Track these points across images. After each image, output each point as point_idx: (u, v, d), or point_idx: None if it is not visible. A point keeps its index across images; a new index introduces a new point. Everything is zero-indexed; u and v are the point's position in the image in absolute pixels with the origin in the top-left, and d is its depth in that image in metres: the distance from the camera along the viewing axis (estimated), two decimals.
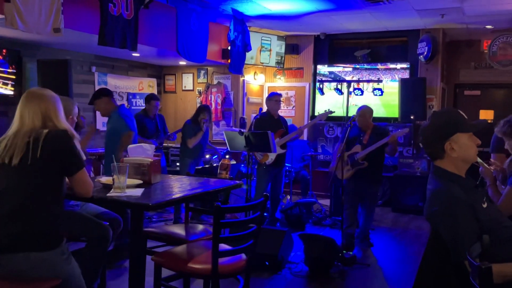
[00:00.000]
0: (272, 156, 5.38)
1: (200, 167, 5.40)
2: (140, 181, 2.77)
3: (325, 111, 5.60)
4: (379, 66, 7.85)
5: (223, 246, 2.46)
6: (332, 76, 8.19)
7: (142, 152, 2.91)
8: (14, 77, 5.87)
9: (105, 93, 4.54)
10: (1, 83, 5.72)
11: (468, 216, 1.82)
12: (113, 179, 2.54)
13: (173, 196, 2.52)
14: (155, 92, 8.40)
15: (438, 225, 1.90)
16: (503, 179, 2.94)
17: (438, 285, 1.97)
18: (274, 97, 5.59)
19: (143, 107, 6.25)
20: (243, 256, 2.55)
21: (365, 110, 5.08)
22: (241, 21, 6.91)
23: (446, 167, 1.98)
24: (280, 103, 5.62)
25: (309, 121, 8.25)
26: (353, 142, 5.01)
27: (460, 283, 1.88)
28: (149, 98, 6.04)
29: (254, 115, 8.21)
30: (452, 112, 2.04)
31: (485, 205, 1.90)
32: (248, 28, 7.18)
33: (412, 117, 7.15)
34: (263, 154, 5.41)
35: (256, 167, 5.62)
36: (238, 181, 3.05)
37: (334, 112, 5.87)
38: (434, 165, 2.02)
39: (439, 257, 1.94)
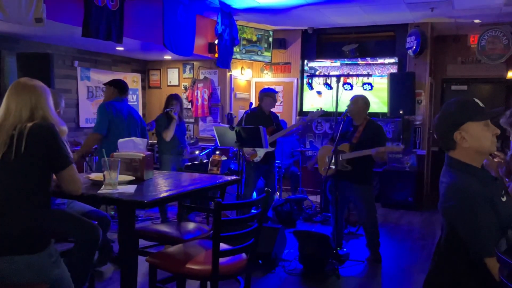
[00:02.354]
0: (260, 154, 5.24)
1: (190, 163, 5.22)
2: (132, 177, 2.61)
3: (317, 109, 5.49)
4: (361, 61, 7.80)
5: (223, 246, 2.32)
6: (312, 71, 8.10)
7: (133, 146, 2.75)
8: None
9: (114, 85, 4.66)
10: None
11: (487, 210, 1.72)
12: (103, 175, 2.38)
13: (169, 193, 2.37)
14: (139, 87, 8.19)
15: (455, 220, 1.79)
16: (506, 172, 2.86)
17: (453, 283, 1.87)
18: (272, 94, 5.40)
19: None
20: (243, 255, 2.42)
21: (358, 97, 4.64)
22: (229, 14, 6.76)
23: (460, 158, 1.87)
24: (275, 102, 5.48)
25: (297, 117, 8.17)
26: (343, 138, 4.54)
27: (477, 282, 1.79)
28: None
29: (242, 110, 8.09)
30: (464, 100, 1.93)
31: (504, 199, 1.80)
32: (236, 21, 7.03)
33: (401, 112, 7.10)
34: (251, 152, 5.26)
35: (244, 164, 5.48)
36: (234, 177, 2.91)
37: (326, 112, 5.79)
38: (449, 157, 1.91)
39: (456, 254, 1.84)
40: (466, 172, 1.83)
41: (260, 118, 5.27)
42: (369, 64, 7.76)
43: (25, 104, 2.14)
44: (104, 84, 4.74)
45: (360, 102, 4.59)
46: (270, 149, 5.30)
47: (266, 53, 8.00)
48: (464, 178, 1.81)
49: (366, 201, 4.60)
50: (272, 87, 8.31)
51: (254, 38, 7.82)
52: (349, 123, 4.64)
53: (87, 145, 4.46)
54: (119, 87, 4.62)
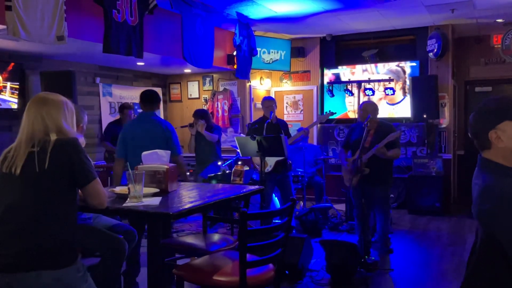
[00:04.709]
0: (270, 163, 5.17)
1: (212, 174, 5.23)
2: (157, 190, 2.60)
3: (326, 112, 5.42)
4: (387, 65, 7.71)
5: (249, 256, 2.28)
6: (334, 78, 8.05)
7: (157, 159, 2.74)
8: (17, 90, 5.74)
9: (140, 98, 4.33)
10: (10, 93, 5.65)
11: None
12: (128, 188, 2.37)
13: (194, 204, 2.34)
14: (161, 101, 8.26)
15: (492, 224, 1.71)
16: None
17: None
18: (265, 102, 5.41)
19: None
20: (271, 266, 2.37)
21: (366, 104, 4.82)
22: (246, 25, 6.78)
23: (495, 159, 1.79)
24: (268, 108, 5.33)
25: (318, 126, 8.10)
26: (356, 145, 4.65)
27: None
28: (122, 108, 6.30)
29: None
30: (503, 98, 1.85)
31: None
32: (253, 32, 7.05)
33: (424, 116, 6.97)
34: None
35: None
36: (258, 187, 2.87)
37: (335, 113, 5.73)
38: (482, 158, 1.84)
39: (493, 260, 1.75)
40: (502, 173, 1.75)
41: (267, 127, 5.14)
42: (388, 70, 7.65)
43: (36, 117, 2.12)
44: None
45: (368, 108, 4.74)
46: (280, 158, 5.21)
47: None
48: (500, 179, 1.73)
49: (382, 201, 4.75)
50: (292, 95, 8.35)
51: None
52: (359, 130, 4.72)
53: (115, 174, 4.14)
54: (142, 100, 4.27)
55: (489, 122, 1.76)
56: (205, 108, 8.21)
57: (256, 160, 5.12)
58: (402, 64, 7.55)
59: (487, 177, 1.77)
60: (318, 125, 8.08)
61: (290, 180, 5.41)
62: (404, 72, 7.48)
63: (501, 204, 1.67)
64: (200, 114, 5.84)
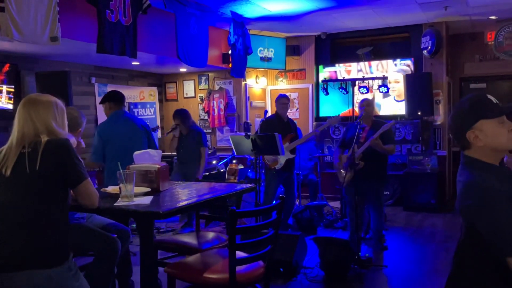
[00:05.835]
0: (281, 161, 5.23)
1: (207, 173, 5.23)
2: (148, 189, 2.63)
3: (335, 116, 5.50)
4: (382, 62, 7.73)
5: (240, 254, 2.31)
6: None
7: (148, 158, 2.77)
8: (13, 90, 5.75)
9: (108, 99, 4.40)
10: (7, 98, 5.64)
11: (508, 207, 1.67)
12: (119, 188, 2.40)
13: (184, 203, 2.38)
14: (156, 101, 8.29)
15: (475, 219, 1.74)
16: None
17: (475, 284, 1.82)
18: (281, 99, 5.44)
19: (143, 116, 6.24)
20: (261, 263, 2.40)
21: (369, 100, 4.93)
22: (241, 24, 6.80)
23: (477, 157, 1.83)
24: (286, 105, 5.45)
25: (313, 123, 8.14)
26: (352, 142, 4.67)
27: (500, 283, 1.73)
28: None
29: (258, 119, 8.11)
30: (476, 97, 1.88)
31: None
32: (248, 31, 7.07)
33: (419, 113, 7.01)
34: (272, 159, 5.25)
35: (264, 171, 5.47)
36: (250, 185, 2.90)
37: (343, 118, 5.82)
38: (464, 155, 1.87)
39: (476, 254, 1.79)
40: (483, 170, 1.79)
41: (278, 125, 5.26)
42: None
43: (25, 118, 2.16)
44: (100, 104, 4.53)
45: (371, 104, 4.92)
46: (291, 156, 5.29)
47: None
48: (481, 176, 1.76)
49: (375, 198, 4.85)
50: (288, 94, 8.34)
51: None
52: (354, 128, 4.81)
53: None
54: (114, 99, 4.33)
55: (465, 122, 1.79)
56: (201, 106, 8.23)
57: (268, 157, 5.17)
58: (408, 62, 7.55)
59: (469, 174, 1.81)
60: (314, 123, 8.13)
61: (295, 179, 5.48)
62: (412, 70, 7.51)
63: (483, 199, 1.71)
64: (177, 115, 5.73)
